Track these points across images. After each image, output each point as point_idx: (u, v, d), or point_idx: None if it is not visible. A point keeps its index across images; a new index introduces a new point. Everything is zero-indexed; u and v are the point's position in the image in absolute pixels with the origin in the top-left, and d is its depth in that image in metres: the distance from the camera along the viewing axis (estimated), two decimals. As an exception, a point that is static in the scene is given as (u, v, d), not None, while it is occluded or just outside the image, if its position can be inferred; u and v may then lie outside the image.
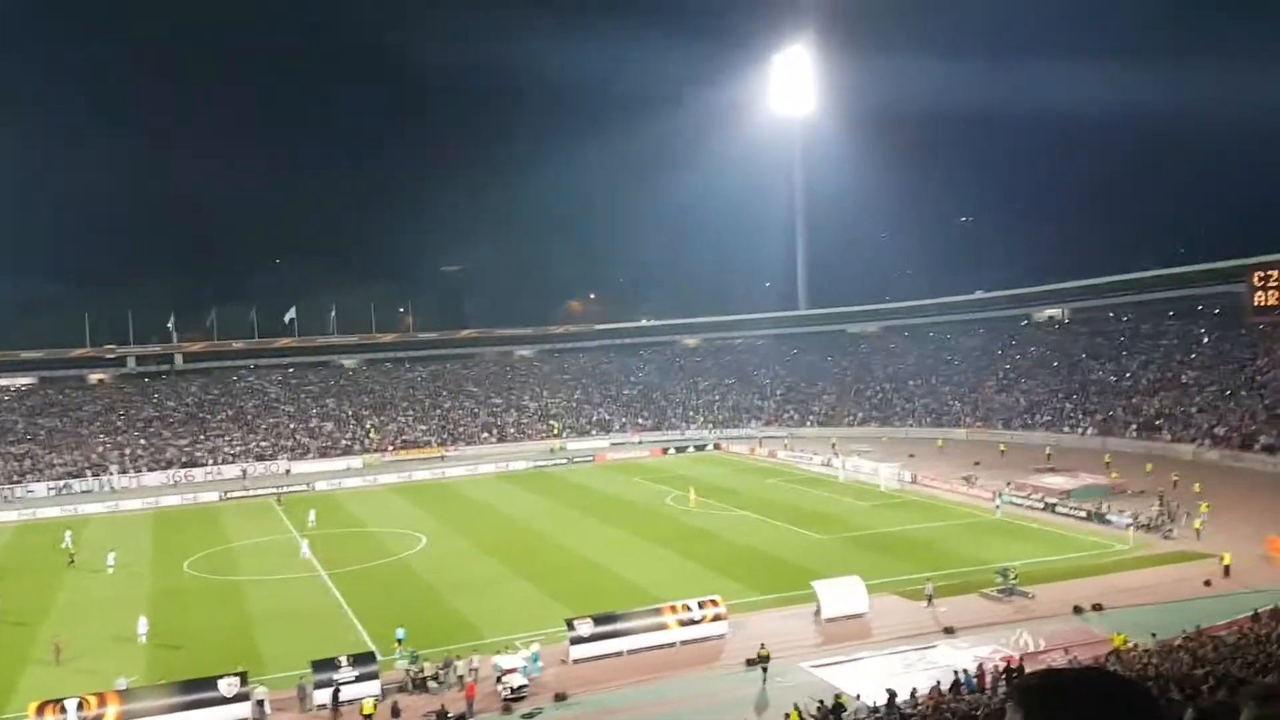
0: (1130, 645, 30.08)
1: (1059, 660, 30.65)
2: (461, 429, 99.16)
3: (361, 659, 33.43)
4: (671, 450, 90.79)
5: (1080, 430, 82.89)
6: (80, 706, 29.95)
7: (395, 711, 30.65)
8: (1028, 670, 25.56)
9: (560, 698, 32.09)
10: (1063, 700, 2.42)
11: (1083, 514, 53.70)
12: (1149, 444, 75.00)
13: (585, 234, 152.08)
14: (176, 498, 76.35)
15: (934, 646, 34.92)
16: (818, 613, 38.25)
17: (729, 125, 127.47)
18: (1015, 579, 40.46)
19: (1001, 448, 79.22)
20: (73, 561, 54.35)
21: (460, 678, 33.01)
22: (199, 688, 31.48)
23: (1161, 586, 40.30)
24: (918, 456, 75.98)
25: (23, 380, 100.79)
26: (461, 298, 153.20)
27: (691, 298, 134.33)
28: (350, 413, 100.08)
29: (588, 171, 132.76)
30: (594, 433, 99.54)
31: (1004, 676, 28.95)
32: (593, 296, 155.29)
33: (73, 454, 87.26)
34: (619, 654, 35.41)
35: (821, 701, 27.94)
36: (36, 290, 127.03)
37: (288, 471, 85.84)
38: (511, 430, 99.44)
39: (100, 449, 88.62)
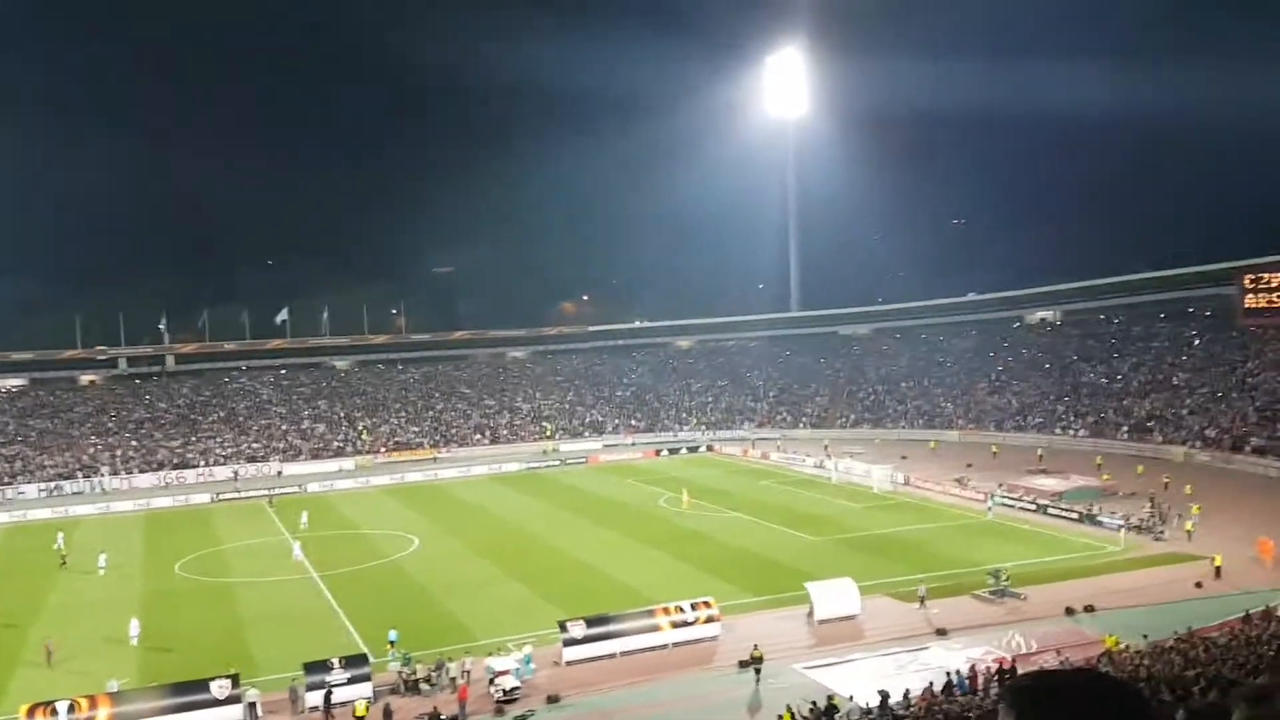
0: (1122, 646, 30.18)
1: (1051, 661, 30.73)
2: (454, 430, 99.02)
3: (354, 661, 33.43)
4: (664, 452, 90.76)
5: (1072, 432, 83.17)
6: (71, 709, 29.87)
7: (388, 713, 30.59)
8: (1020, 671, 25.71)
9: (553, 699, 32.12)
10: (1055, 701, 2.43)
11: (1074, 515, 53.82)
12: (1140, 446, 75.33)
13: (578, 235, 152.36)
14: (168, 499, 76.07)
15: (926, 648, 34.99)
16: (810, 614, 38.30)
17: (722, 127, 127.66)
18: (1007, 580, 40.60)
19: (993, 449, 79.52)
20: (64, 563, 54.15)
21: (453, 680, 32.99)
22: (191, 690, 31.45)
23: (1153, 588, 40.43)
24: (910, 458, 75.97)
25: (13, 381, 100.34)
26: (454, 299, 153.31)
27: (685, 299, 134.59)
28: (342, 414, 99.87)
29: (581, 173, 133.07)
30: (587, 434, 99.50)
31: (996, 678, 29.06)
32: (586, 298, 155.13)
33: (64, 455, 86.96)
34: (612, 656, 35.45)
35: (814, 703, 28.00)
36: (27, 291, 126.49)
37: (279, 473, 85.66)
38: (504, 432, 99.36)
39: (91, 450, 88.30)
